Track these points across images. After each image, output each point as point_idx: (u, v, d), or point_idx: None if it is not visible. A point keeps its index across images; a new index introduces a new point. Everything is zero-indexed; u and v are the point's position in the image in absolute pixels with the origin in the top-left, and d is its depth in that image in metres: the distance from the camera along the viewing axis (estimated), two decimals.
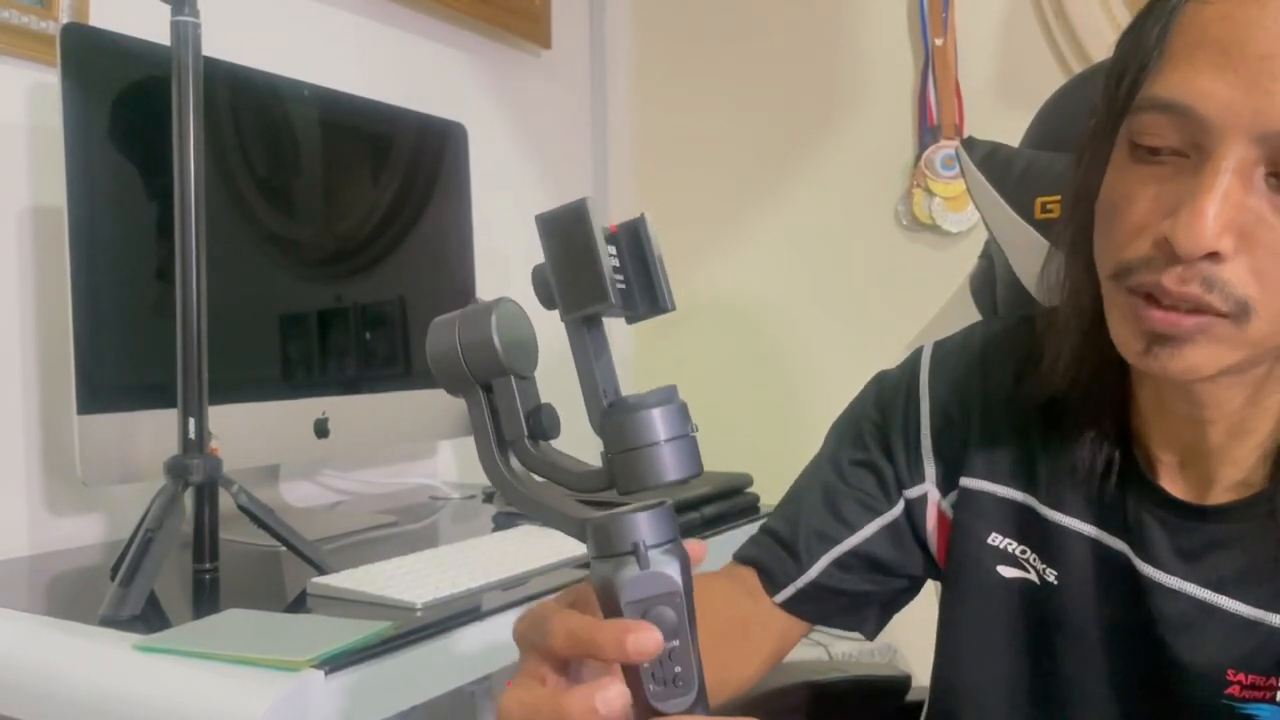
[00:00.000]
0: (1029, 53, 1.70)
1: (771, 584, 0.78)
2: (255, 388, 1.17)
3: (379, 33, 1.60)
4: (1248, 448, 0.62)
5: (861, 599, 0.78)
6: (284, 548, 0.98)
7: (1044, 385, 0.67)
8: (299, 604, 0.90)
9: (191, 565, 0.97)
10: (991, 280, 0.99)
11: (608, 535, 0.46)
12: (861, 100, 1.85)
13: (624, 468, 0.45)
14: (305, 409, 1.22)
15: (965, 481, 0.73)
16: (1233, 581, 0.62)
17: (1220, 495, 0.64)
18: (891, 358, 0.83)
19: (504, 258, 1.65)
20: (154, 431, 1.02)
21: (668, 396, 0.46)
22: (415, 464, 1.62)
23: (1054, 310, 0.67)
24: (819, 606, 0.78)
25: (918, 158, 1.78)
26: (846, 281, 1.87)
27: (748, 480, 1.42)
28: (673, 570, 0.46)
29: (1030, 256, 0.87)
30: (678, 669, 0.46)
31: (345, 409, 1.26)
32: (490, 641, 0.86)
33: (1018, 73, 1.71)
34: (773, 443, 1.77)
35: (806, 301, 1.91)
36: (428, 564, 0.97)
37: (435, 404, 1.37)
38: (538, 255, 0.47)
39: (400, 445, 1.59)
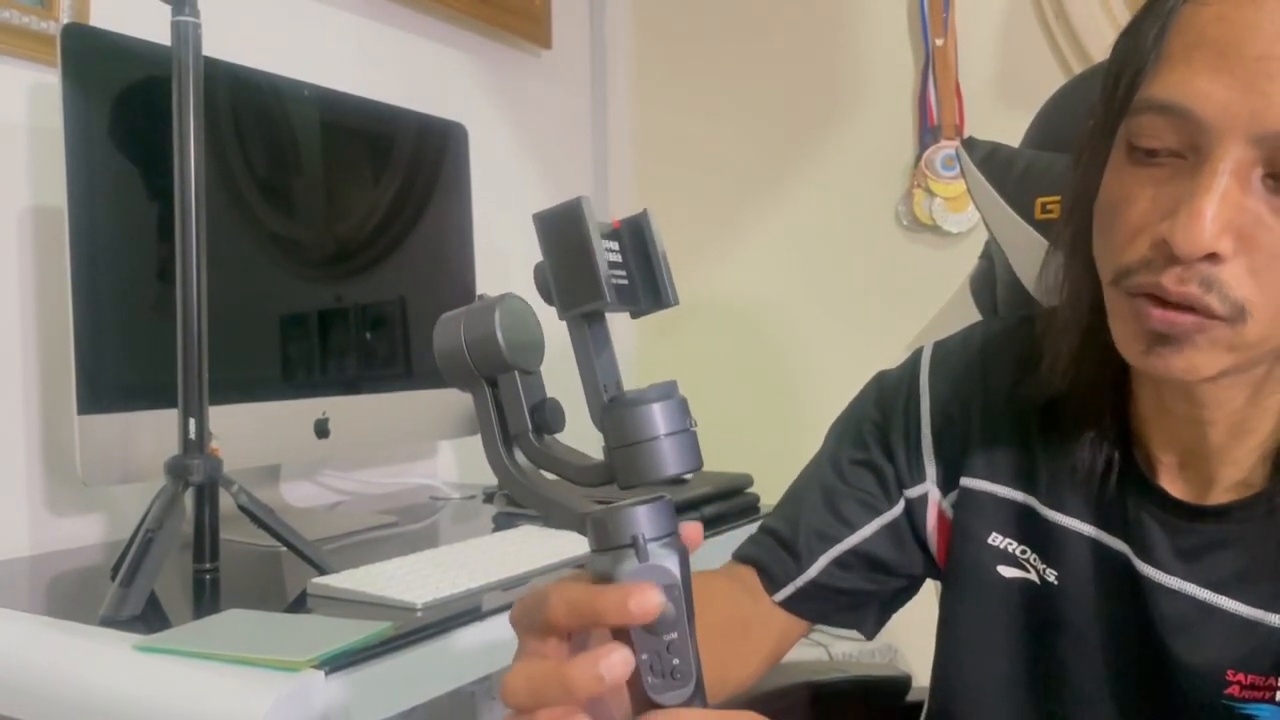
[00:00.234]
0: (1029, 53, 1.70)
1: (771, 583, 0.78)
2: (256, 388, 1.17)
3: (379, 33, 1.60)
4: (1248, 448, 0.62)
5: (861, 598, 0.78)
6: (284, 548, 0.98)
7: (1044, 385, 0.67)
8: (299, 604, 0.90)
9: (192, 565, 0.97)
10: (992, 280, 0.99)
11: (606, 528, 0.46)
12: (862, 100, 1.85)
13: (624, 462, 0.46)
14: (306, 409, 1.22)
15: (965, 481, 0.73)
16: (1232, 581, 0.62)
17: (1220, 495, 0.64)
18: (891, 358, 0.83)
19: (504, 258, 1.65)
20: (154, 431, 1.02)
21: (667, 391, 0.46)
22: (415, 464, 1.62)
23: (1054, 311, 0.67)
24: (818, 605, 0.78)
25: (918, 158, 1.78)
26: (847, 281, 1.87)
27: (748, 480, 1.42)
28: (671, 563, 0.46)
29: (1030, 257, 0.87)
30: (676, 661, 0.46)
31: (346, 409, 1.26)
32: (490, 641, 0.86)
33: (1018, 73, 1.71)
34: (773, 443, 1.77)
35: (806, 301, 1.91)
36: (428, 564, 0.97)
37: (435, 404, 1.37)
38: (538, 255, 0.47)
39: (400, 445, 1.59)
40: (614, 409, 0.46)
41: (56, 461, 1.16)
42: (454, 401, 1.38)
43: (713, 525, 1.27)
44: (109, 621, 0.83)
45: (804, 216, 1.91)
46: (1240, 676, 0.61)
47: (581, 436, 0.50)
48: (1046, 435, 0.70)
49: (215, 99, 1.11)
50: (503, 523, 1.26)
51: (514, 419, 0.49)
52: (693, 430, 0.46)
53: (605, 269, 0.45)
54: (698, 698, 0.47)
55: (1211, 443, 0.63)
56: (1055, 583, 0.69)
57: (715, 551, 1.23)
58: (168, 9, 0.92)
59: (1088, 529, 0.68)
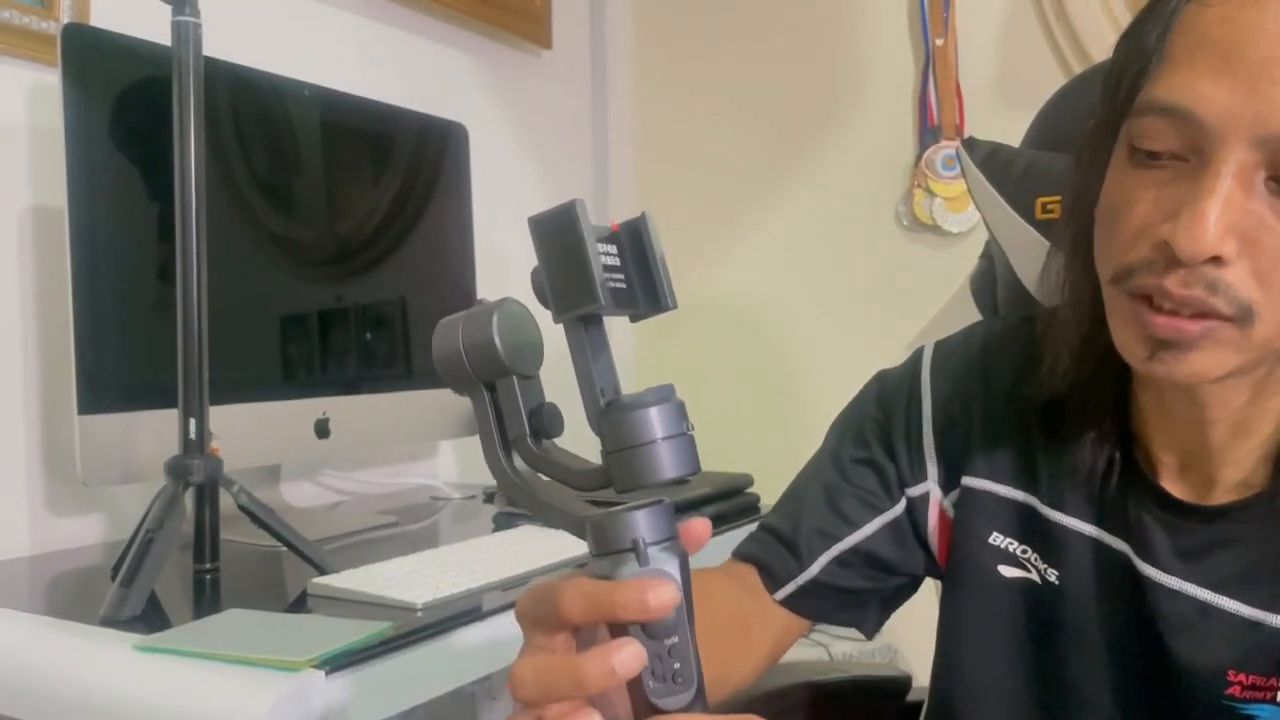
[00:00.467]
0: (1029, 53, 1.70)
1: (772, 581, 0.78)
2: (256, 388, 1.17)
3: (379, 33, 1.60)
4: (1249, 448, 0.62)
5: (862, 596, 0.78)
6: (284, 548, 0.98)
7: (1044, 385, 0.67)
8: (299, 604, 0.90)
9: (192, 565, 0.97)
10: (992, 280, 0.99)
11: (607, 532, 0.46)
12: (862, 100, 1.85)
13: (621, 466, 0.46)
14: (306, 409, 1.22)
15: (966, 481, 0.73)
16: (1233, 582, 0.62)
17: (1221, 496, 0.64)
18: (892, 358, 0.83)
19: (504, 258, 1.65)
20: (155, 431, 1.02)
21: (665, 395, 0.46)
22: (416, 464, 1.62)
23: (1054, 311, 0.67)
24: (819, 604, 0.78)
25: (918, 158, 1.78)
26: (847, 282, 1.87)
27: (748, 480, 1.42)
28: (672, 567, 0.46)
29: (1031, 257, 0.87)
30: (677, 665, 0.46)
31: (346, 409, 1.26)
32: (490, 641, 0.86)
33: (1018, 73, 1.71)
34: (773, 443, 1.77)
35: (807, 301, 1.91)
36: (428, 564, 0.97)
37: (436, 404, 1.37)
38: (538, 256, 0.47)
39: (401, 445, 1.59)
40: (611, 413, 0.46)
41: (57, 461, 1.16)
42: (454, 402, 1.38)
43: (712, 525, 1.27)
44: (109, 621, 0.83)
45: (804, 216, 1.91)
46: (1241, 677, 0.61)
47: (581, 440, 0.50)
48: (1047, 435, 0.70)
49: (215, 99, 1.11)
50: (503, 523, 1.27)
51: (512, 423, 0.49)
52: (690, 434, 0.46)
53: (600, 272, 0.45)
54: (699, 702, 0.47)
55: (1212, 443, 0.63)
56: (1056, 582, 0.69)
57: (715, 551, 1.23)
58: (168, 9, 0.92)
59: (1088, 528, 0.68)
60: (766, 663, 0.78)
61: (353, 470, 1.52)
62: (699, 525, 0.49)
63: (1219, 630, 0.62)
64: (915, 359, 0.79)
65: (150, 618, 0.84)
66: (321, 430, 1.23)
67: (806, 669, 1.02)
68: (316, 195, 1.27)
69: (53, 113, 0.99)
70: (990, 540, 0.72)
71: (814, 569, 0.76)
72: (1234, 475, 0.63)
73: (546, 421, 0.49)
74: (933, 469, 0.75)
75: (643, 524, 0.46)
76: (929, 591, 0.82)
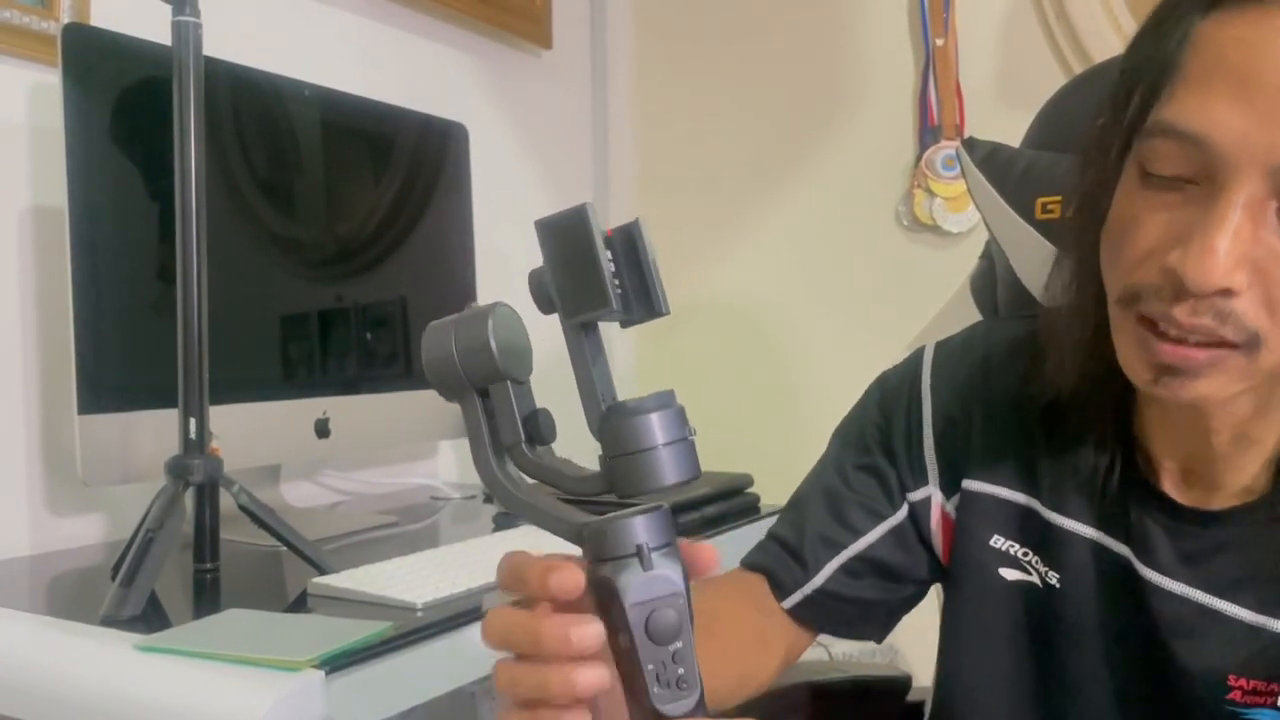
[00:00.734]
0: (1030, 53, 1.70)
1: (780, 590, 0.78)
2: (256, 388, 1.17)
3: (380, 33, 1.60)
4: (1252, 455, 0.62)
5: (870, 608, 0.78)
6: (284, 548, 0.98)
7: (1047, 389, 0.67)
8: (299, 604, 0.90)
9: (192, 565, 0.97)
10: (992, 280, 0.99)
11: (609, 538, 0.46)
12: (862, 100, 1.85)
13: (623, 472, 0.46)
14: (306, 409, 1.22)
15: (967, 484, 0.73)
16: (1235, 586, 0.62)
17: (1223, 500, 0.63)
18: (892, 358, 0.83)
19: (505, 258, 1.65)
20: (155, 431, 1.02)
21: (666, 401, 0.46)
22: (416, 464, 1.62)
23: (1057, 313, 0.66)
24: (828, 616, 0.78)
25: (918, 158, 1.78)
26: (847, 282, 1.87)
27: (748, 480, 1.42)
28: (675, 573, 0.46)
29: (1031, 257, 0.87)
30: (681, 671, 0.46)
31: (346, 409, 1.26)
32: None
33: (1018, 73, 1.71)
34: (773, 443, 1.78)
35: (807, 302, 1.91)
36: (428, 564, 0.97)
37: (436, 404, 1.36)
38: (539, 255, 0.47)
39: (401, 445, 1.59)
40: (612, 418, 0.46)
41: (57, 461, 1.16)
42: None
43: (713, 525, 1.28)
44: (109, 621, 0.83)
45: (804, 216, 1.91)
46: (1242, 682, 0.61)
47: (572, 445, 0.49)
48: (1049, 437, 0.70)
49: (216, 99, 1.11)
50: (503, 523, 1.26)
51: (506, 429, 0.49)
52: (691, 439, 0.46)
53: (610, 276, 0.45)
54: (700, 707, 0.47)
55: (1215, 450, 0.62)
56: (1057, 585, 0.68)
57: (716, 550, 1.23)
58: (168, 9, 0.92)
59: (1089, 531, 0.68)
60: (782, 667, 0.78)
61: (353, 470, 1.52)
62: (706, 552, 0.48)
63: (1220, 635, 0.62)
64: (916, 360, 0.79)
65: (150, 617, 0.84)
66: (321, 430, 1.23)
67: (806, 669, 1.02)
68: (316, 195, 1.27)
69: (53, 113, 0.99)
70: (991, 543, 0.72)
71: (820, 578, 0.76)
72: (1236, 480, 0.63)
73: (542, 427, 0.49)
74: (933, 472, 0.75)
75: (646, 529, 0.46)
76: (930, 592, 0.82)
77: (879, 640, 0.83)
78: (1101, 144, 0.60)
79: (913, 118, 1.80)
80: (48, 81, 1.12)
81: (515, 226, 1.77)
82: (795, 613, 0.77)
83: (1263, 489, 0.62)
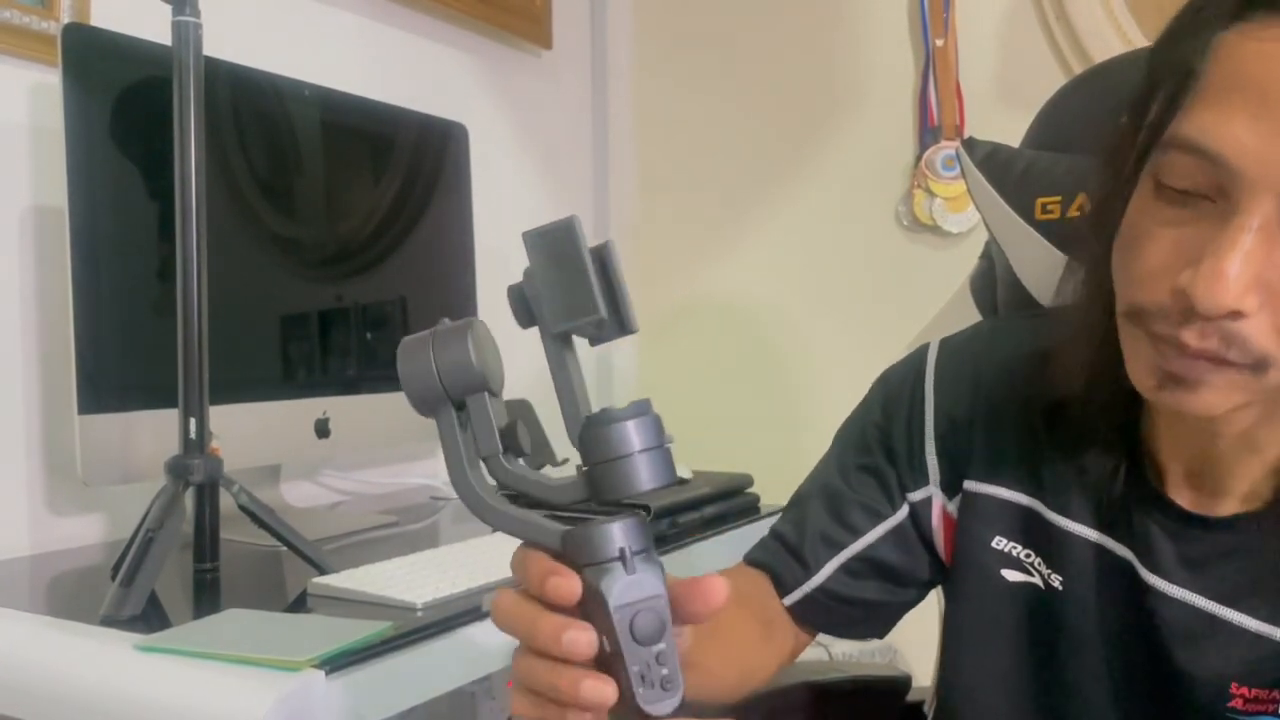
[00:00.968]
0: (1029, 53, 1.70)
1: (781, 588, 0.78)
2: (256, 388, 1.17)
3: (380, 33, 1.60)
4: (1258, 462, 0.61)
5: (873, 609, 0.78)
6: (285, 548, 0.98)
7: (1053, 391, 0.66)
8: (300, 604, 0.90)
9: (192, 565, 0.97)
10: (992, 280, 0.99)
11: (590, 544, 0.47)
12: (862, 101, 1.85)
13: (602, 478, 0.47)
14: (306, 409, 1.22)
15: (969, 485, 0.73)
16: (1238, 594, 0.62)
17: (1228, 507, 0.63)
18: (892, 358, 0.82)
19: (504, 258, 1.65)
20: (155, 431, 1.02)
21: (642, 409, 0.48)
22: (416, 464, 1.62)
23: (1067, 317, 0.65)
24: (829, 615, 0.78)
25: (918, 158, 1.78)
26: (847, 282, 1.87)
27: (748, 480, 1.42)
28: (655, 576, 0.48)
29: (1031, 257, 0.87)
30: (665, 671, 0.47)
31: (346, 409, 1.26)
32: (490, 641, 0.86)
33: (1018, 73, 1.71)
34: (773, 443, 1.78)
35: (807, 302, 1.91)
36: (428, 564, 0.97)
37: None
38: None
39: (401, 445, 1.59)
40: (591, 427, 0.47)
41: (57, 461, 1.16)
42: None
43: (713, 525, 1.27)
44: (109, 621, 0.83)
45: (804, 216, 1.91)
46: (1244, 690, 0.61)
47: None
48: (1053, 438, 0.69)
49: (216, 99, 1.11)
50: None
51: (484, 441, 0.50)
52: (667, 446, 0.48)
53: (599, 286, 0.47)
54: (683, 707, 0.48)
55: (1221, 456, 0.62)
56: (1059, 587, 0.68)
57: (716, 551, 1.24)
58: (168, 9, 0.92)
59: (1092, 534, 0.67)
60: (785, 663, 0.79)
61: (353, 470, 1.52)
62: (716, 587, 0.49)
63: (1222, 642, 0.61)
64: (919, 357, 0.78)
65: (150, 617, 0.84)
66: (321, 430, 1.23)
67: (806, 669, 1.02)
68: (317, 195, 1.27)
69: (53, 113, 0.99)
70: (993, 544, 0.71)
71: (820, 577, 0.76)
72: (1242, 487, 0.62)
73: (519, 438, 0.50)
74: (934, 473, 0.75)
75: (626, 535, 0.48)
76: (930, 592, 0.82)
77: (880, 636, 0.83)
78: (1118, 152, 0.59)
79: (913, 118, 1.80)
80: (48, 81, 1.12)
81: (515, 226, 1.76)
82: (796, 611, 0.78)
83: (1268, 496, 0.62)
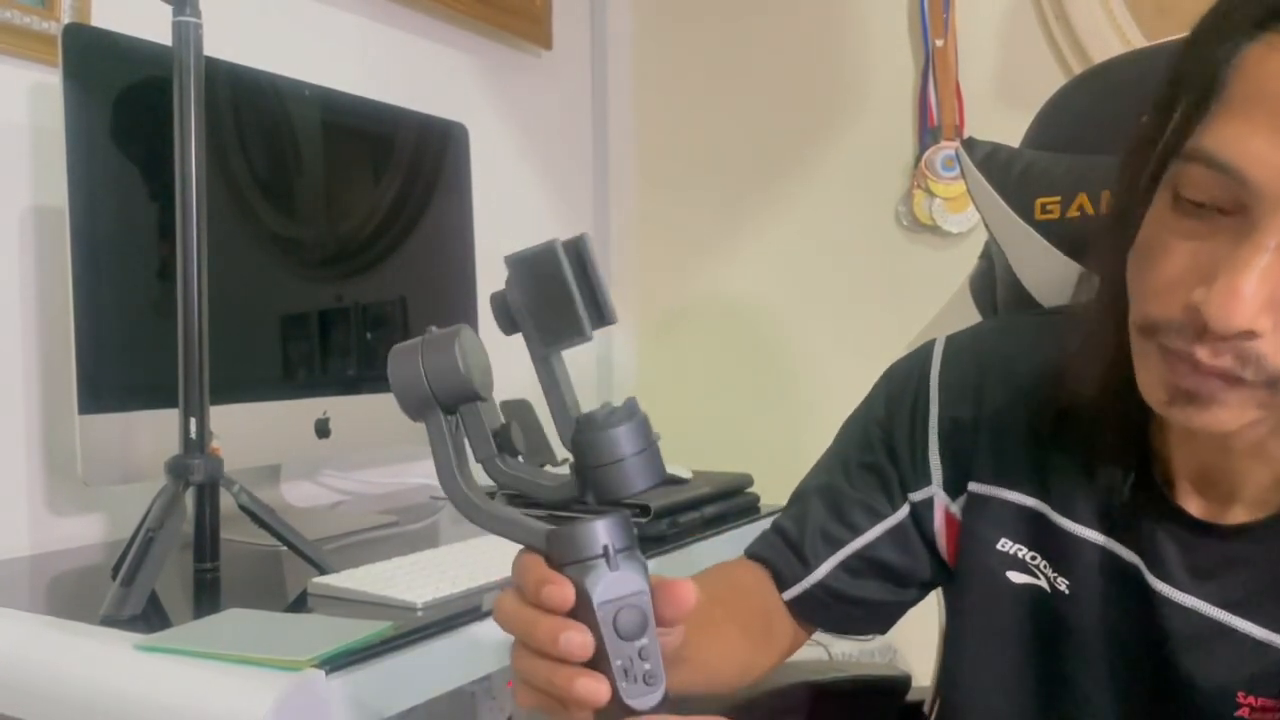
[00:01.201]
0: (1029, 54, 1.70)
1: (780, 583, 0.78)
2: (256, 388, 1.17)
3: (380, 33, 1.60)
4: (1268, 472, 0.61)
5: (873, 608, 0.78)
6: (285, 547, 0.98)
7: (1064, 395, 0.66)
8: (300, 604, 0.90)
9: (193, 565, 0.97)
10: (992, 281, 0.99)
11: (574, 541, 0.49)
12: (862, 101, 1.85)
13: (596, 481, 0.49)
14: (306, 409, 1.22)
15: (974, 486, 0.72)
16: (1246, 602, 0.61)
17: (1237, 515, 0.62)
18: (891, 358, 0.82)
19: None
20: (155, 431, 1.02)
21: (631, 413, 0.49)
22: (416, 464, 1.62)
23: (1081, 323, 0.65)
24: (828, 612, 0.78)
25: (918, 158, 1.78)
26: (847, 282, 1.87)
27: (748, 480, 1.42)
28: (638, 572, 0.49)
29: (1030, 257, 0.87)
30: (647, 666, 0.48)
31: (346, 409, 1.26)
32: (490, 641, 0.86)
33: (1018, 74, 1.71)
34: (773, 443, 1.78)
35: (807, 302, 1.91)
36: (428, 564, 0.97)
37: None
38: None
39: (401, 445, 1.58)
40: (583, 432, 0.49)
41: (57, 461, 1.16)
42: None
43: (713, 525, 1.28)
44: (110, 621, 0.83)
45: (804, 217, 1.91)
46: (1251, 700, 0.60)
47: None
48: (1061, 442, 0.68)
49: (216, 99, 1.11)
50: None
51: (478, 444, 0.52)
52: (655, 446, 0.50)
53: (584, 307, 0.48)
54: (665, 702, 0.49)
55: (1232, 464, 0.61)
56: (1066, 591, 0.67)
57: (716, 551, 1.24)
58: (169, 9, 0.92)
59: (1099, 538, 0.66)
60: (785, 656, 0.79)
61: (353, 470, 1.52)
62: (686, 593, 0.51)
63: (1229, 651, 0.61)
64: (925, 354, 0.78)
65: (151, 617, 0.84)
66: (322, 430, 1.23)
67: (806, 669, 1.02)
68: (317, 195, 1.27)
69: (53, 113, 0.99)
70: (999, 546, 0.70)
71: (820, 573, 0.76)
72: (1252, 496, 0.62)
73: (512, 439, 0.52)
74: (937, 473, 0.74)
75: (609, 532, 0.49)
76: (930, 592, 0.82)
77: (882, 632, 0.83)
78: (1137, 159, 0.58)
79: (913, 118, 1.80)
80: (48, 82, 1.12)
81: (515, 226, 1.78)
82: (795, 607, 0.78)
83: (1278, 505, 0.61)
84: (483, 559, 0.99)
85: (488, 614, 0.87)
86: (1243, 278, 0.49)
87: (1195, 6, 0.57)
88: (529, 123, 1.89)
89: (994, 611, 0.71)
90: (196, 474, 0.92)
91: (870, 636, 0.85)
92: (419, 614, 0.84)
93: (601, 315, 0.49)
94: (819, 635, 0.82)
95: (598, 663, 0.48)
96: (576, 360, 0.51)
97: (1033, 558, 0.69)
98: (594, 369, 2.03)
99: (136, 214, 1.05)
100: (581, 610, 0.48)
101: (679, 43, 2.03)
